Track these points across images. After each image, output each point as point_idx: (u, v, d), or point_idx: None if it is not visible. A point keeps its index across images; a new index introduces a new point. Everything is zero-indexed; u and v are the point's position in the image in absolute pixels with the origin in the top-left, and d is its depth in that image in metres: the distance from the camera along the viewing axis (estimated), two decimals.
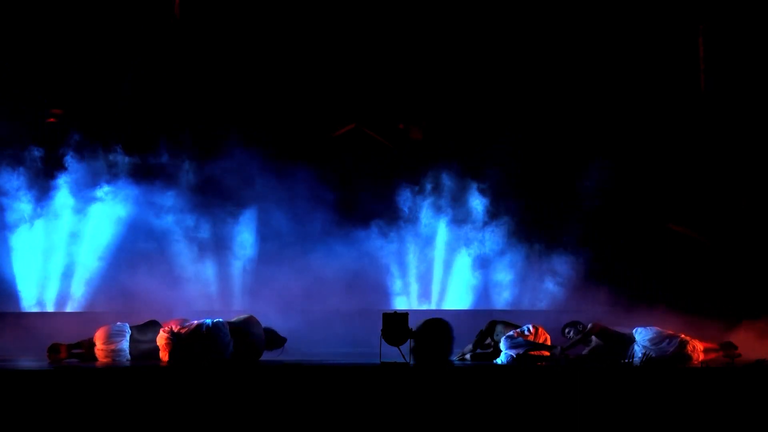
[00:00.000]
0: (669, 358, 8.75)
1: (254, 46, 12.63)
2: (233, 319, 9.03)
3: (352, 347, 10.27)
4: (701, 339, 9.05)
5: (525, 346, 8.75)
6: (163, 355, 8.65)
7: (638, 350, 8.86)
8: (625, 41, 12.51)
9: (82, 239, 11.58)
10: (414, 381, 7.51)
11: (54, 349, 8.79)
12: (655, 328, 9.01)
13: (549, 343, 8.96)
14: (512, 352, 8.72)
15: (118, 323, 9.06)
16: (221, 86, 12.46)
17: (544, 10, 12.54)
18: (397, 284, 12.24)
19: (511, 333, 8.94)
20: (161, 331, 8.68)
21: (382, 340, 8.24)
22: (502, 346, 8.87)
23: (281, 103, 12.61)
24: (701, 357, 8.86)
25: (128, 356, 8.92)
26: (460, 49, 12.65)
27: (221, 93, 12.44)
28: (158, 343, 8.69)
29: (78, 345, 8.94)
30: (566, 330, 9.38)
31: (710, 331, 10.26)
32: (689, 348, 8.84)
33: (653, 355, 8.76)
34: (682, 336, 8.91)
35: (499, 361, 8.82)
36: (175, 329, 8.64)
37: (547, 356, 8.72)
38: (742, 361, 8.63)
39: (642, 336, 8.93)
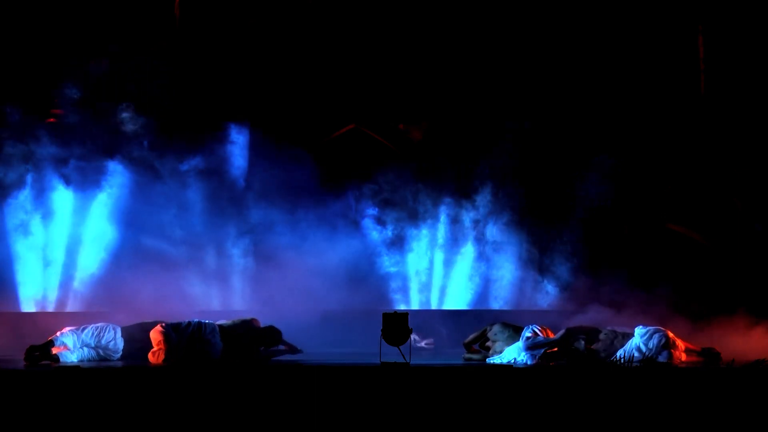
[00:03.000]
0: (656, 355, 8.78)
1: (254, 46, 12.64)
2: (228, 322, 9.05)
3: (352, 347, 10.27)
4: (683, 339, 9.06)
5: (543, 345, 8.78)
6: (153, 353, 8.64)
7: (633, 349, 8.87)
8: (626, 41, 12.51)
9: (82, 239, 11.60)
10: (414, 381, 7.51)
11: (35, 351, 8.68)
12: (646, 327, 9.05)
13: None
14: (534, 353, 8.75)
15: (102, 323, 9.04)
16: (222, 85, 12.46)
17: (545, 10, 12.54)
18: (397, 284, 12.24)
19: (529, 334, 8.93)
20: (158, 326, 8.68)
21: (382, 340, 8.23)
22: (517, 348, 8.87)
23: (283, 102, 12.61)
24: (683, 357, 8.87)
25: (120, 354, 8.91)
26: (460, 49, 12.65)
27: (222, 92, 12.45)
28: (152, 338, 8.69)
29: (50, 342, 8.83)
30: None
31: (709, 330, 10.30)
32: (674, 345, 8.86)
33: (647, 353, 8.78)
34: (668, 333, 8.95)
35: (513, 359, 8.81)
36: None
37: (557, 352, 8.70)
38: (741, 361, 8.63)
39: (639, 334, 8.96)
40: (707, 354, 8.95)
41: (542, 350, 8.75)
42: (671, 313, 10.53)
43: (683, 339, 9.17)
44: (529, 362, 8.74)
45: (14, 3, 12.02)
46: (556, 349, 8.75)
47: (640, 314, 10.33)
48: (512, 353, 8.89)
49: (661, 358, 8.74)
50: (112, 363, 8.70)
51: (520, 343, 8.90)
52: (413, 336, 9.51)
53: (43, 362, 8.57)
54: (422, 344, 10.48)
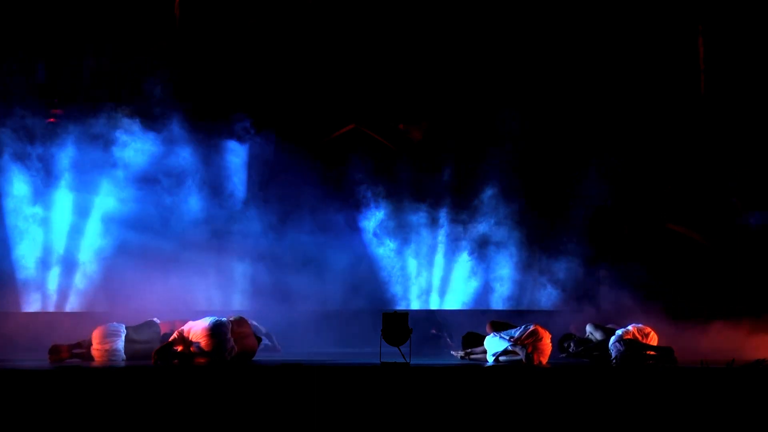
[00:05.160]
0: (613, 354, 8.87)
1: (254, 46, 12.64)
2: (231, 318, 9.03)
3: (352, 347, 10.28)
4: (637, 338, 9.09)
5: (500, 346, 8.80)
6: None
7: (613, 348, 8.92)
8: (626, 41, 12.51)
9: (82, 238, 11.61)
10: (414, 381, 7.51)
11: (55, 350, 8.80)
12: (624, 328, 9.09)
13: (548, 341, 8.96)
14: (492, 352, 8.81)
15: (114, 323, 9.06)
16: (222, 85, 12.47)
17: (546, 10, 12.54)
18: (397, 284, 12.24)
19: (491, 334, 8.99)
20: (175, 333, 8.62)
21: (382, 340, 8.24)
22: (486, 344, 8.94)
23: (283, 102, 12.61)
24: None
25: (123, 356, 8.92)
26: (460, 49, 12.65)
27: (222, 92, 12.45)
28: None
29: (78, 345, 8.95)
30: (565, 344, 9.46)
31: (707, 330, 10.30)
32: (623, 344, 8.90)
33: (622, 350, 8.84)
34: (626, 334, 8.99)
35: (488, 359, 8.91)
36: (185, 331, 8.58)
37: (517, 356, 8.75)
38: (741, 361, 8.63)
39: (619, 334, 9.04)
40: (664, 354, 8.91)
41: (498, 350, 8.80)
42: (668, 313, 10.55)
43: (679, 338, 9.21)
44: (489, 361, 8.87)
45: (16, 3, 12.02)
46: (516, 352, 8.79)
47: (637, 313, 10.35)
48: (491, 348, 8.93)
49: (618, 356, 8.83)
50: (112, 363, 8.71)
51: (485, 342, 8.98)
52: (455, 350, 9.47)
53: (71, 360, 8.65)
54: (479, 355, 9.96)
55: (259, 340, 9.02)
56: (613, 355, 8.84)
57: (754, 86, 12.38)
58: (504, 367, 8.53)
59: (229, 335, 8.54)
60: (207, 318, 8.67)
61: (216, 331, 8.49)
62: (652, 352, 8.88)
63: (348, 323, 10.91)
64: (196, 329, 8.53)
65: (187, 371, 7.81)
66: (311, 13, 12.67)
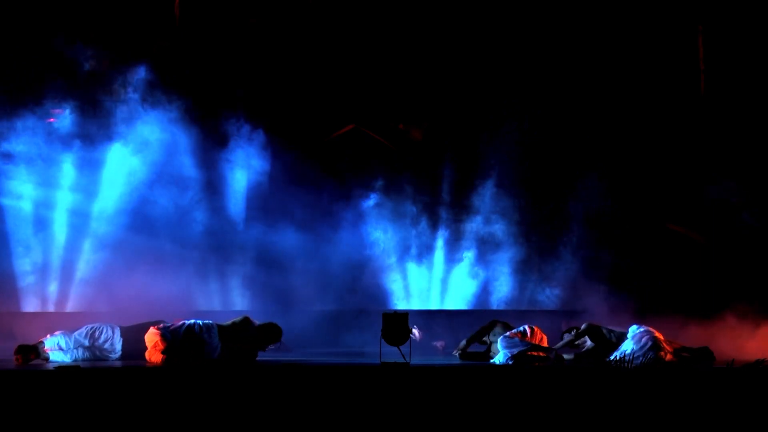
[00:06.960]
0: (643, 357, 8.78)
1: (254, 46, 12.65)
2: (228, 322, 9.04)
3: (352, 347, 10.28)
4: (678, 338, 9.05)
5: (521, 346, 8.79)
6: (150, 354, 8.64)
7: (627, 349, 8.87)
8: (626, 42, 12.51)
9: (83, 238, 11.61)
10: (414, 381, 7.51)
11: (23, 351, 8.69)
12: (639, 327, 9.05)
13: (545, 343, 8.99)
14: (509, 352, 8.77)
15: (107, 324, 9.04)
16: (221, 85, 12.47)
17: (545, 11, 12.55)
18: (397, 284, 12.25)
19: (507, 333, 8.99)
20: (151, 328, 8.67)
21: (382, 340, 8.24)
22: (498, 346, 8.92)
23: (283, 102, 12.62)
24: (668, 357, 8.85)
25: (119, 355, 8.92)
26: (460, 50, 12.65)
27: (221, 92, 12.45)
28: (146, 341, 8.70)
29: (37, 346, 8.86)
30: (564, 335, 9.46)
31: (706, 329, 10.31)
32: (661, 347, 8.83)
33: (636, 354, 8.78)
34: (656, 334, 8.94)
35: (496, 360, 8.87)
36: (170, 331, 8.62)
37: (542, 357, 8.75)
38: (741, 361, 8.63)
39: (630, 336, 8.97)
40: (701, 354, 8.89)
41: (517, 350, 8.76)
42: (668, 313, 10.55)
43: (678, 338, 9.21)
44: (502, 360, 8.76)
45: (15, 2, 12.03)
46: (542, 354, 8.77)
47: (636, 314, 10.35)
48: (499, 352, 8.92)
49: (648, 360, 8.74)
50: (111, 363, 8.70)
51: (500, 342, 8.94)
52: (415, 331, 9.51)
53: (35, 361, 8.58)
54: (438, 345, 10.32)
55: (280, 332, 9.06)
56: (648, 357, 8.70)
57: (754, 86, 12.38)
58: (503, 367, 8.52)
59: (213, 337, 8.62)
60: (189, 319, 8.78)
61: (194, 334, 8.59)
62: (687, 354, 8.85)
63: (347, 323, 10.90)
64: (179, 330, 8.62)
65: (187, 371, 7.80)
66: (311, 13, 12.67)
